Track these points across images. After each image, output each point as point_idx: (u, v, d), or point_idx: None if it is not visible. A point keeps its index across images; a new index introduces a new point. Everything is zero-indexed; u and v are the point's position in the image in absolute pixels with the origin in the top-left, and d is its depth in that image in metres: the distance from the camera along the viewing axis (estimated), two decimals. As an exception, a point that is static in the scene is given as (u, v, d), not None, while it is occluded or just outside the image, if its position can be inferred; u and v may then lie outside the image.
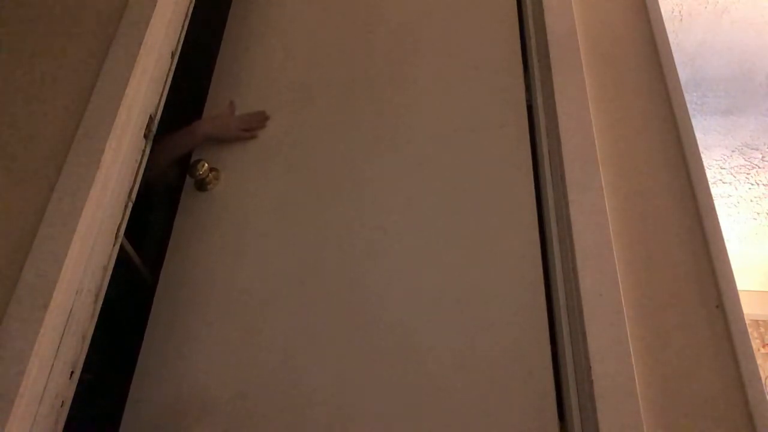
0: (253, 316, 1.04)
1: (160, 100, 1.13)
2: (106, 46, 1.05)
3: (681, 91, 1.01)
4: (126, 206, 1.03)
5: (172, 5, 1.16)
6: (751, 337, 0.81)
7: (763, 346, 3.94)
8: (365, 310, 1.01)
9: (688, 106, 1.00)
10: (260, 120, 1.27)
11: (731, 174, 2.93)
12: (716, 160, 2.84)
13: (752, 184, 2.99)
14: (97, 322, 0.95)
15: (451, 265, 1.02)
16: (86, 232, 0.90)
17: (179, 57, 1.21)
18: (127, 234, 1.05)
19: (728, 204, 3.15)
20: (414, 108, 1.21)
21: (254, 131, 1.26)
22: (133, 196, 1.05)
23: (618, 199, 0.93)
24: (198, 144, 1.26)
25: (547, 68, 1.09)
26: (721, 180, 2.98)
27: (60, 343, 0.86)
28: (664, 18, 1.10)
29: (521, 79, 1.20)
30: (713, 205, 0.90)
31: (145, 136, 1.08)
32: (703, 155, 0.94)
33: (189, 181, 1.21)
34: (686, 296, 0.84)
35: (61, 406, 0.87)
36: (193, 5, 1.28)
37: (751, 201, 3.12)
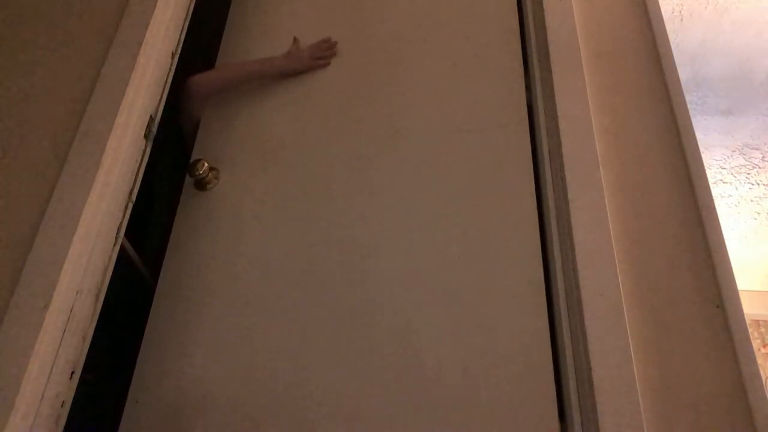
0: (252, 316, 1.04)
1: (160, 100, 1.13)
2: (106, 46, 1.05)
3: (681, 91, 1.01)
4: (126, 206, 1.03)
5: (172, 5, 1.16)
6: (751, 337, 0.81)
7: (764, 346, 3.94)
8: (365, 309, 1.01)
9: (688, 106, 0.99)
10: (329, 47, 1.31)
11: (731, 174, 2.93)
12: (716, 160, 2.84)
13: (752, 184, 2.99)
14: (97, 322, 0.95)
15: (451, 264, 1.02)
16: (86, 232, 0.90)
17: (179, 57, 1.21)
18: (127, 234, 1.05)
19: (728, 204, 3.15)
20: (414, 108, 1.21)
21: (327, 59, 1.29)
22: (133, 196, 1.05)
23: (618, 198, 0.93)
24: (270, 75, 1.29)
25: (547, 68, 1.09)
26: (721, 180, 2.98)
27: (60, 343, 0.86)
28: (665, 18, 1.10)
29: (521, 79, 1.20)
30: (713, 205, 0.89)
31: (145, 136, 1.08)
32: (703, 155, 0.94)
33: (189, 180, 1.21)
34: (686, 296, 0.84)
35: (61, 406, 0.87)
36: (193, 5, 1.28)
37: (751, 201, 3.12)
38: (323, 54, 1.30)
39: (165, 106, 1.15)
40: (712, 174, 2.92)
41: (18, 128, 0.98)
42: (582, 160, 0.96)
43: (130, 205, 1.04)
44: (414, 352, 0.96)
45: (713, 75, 2.39)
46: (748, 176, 2.94)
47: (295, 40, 1.34)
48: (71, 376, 0.89)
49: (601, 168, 0.94)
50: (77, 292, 0.89)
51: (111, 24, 1.08)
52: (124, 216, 1.02)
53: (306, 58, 1.30)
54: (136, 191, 1.05)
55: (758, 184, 2.98)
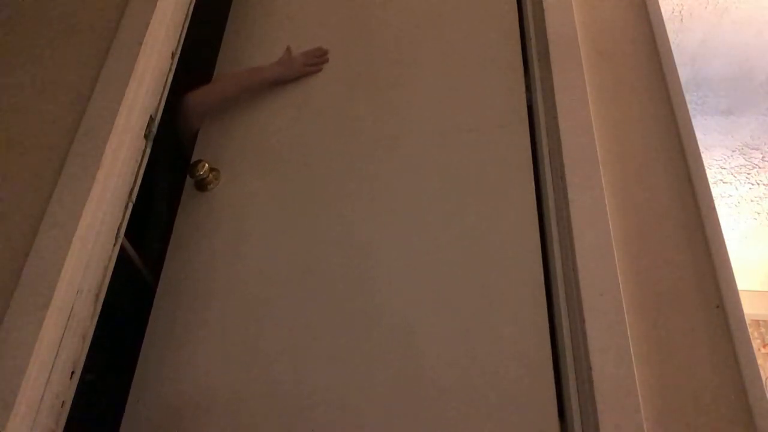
0: (253, 316, 1.04)
1: (160, 100, 1.13)
2: (106, 46, 1.05)
3: (681, 91, 1.01)
4: (126, 206, 1.03)
5: (172, 5, 1.16)
6: (751, 337, 0.81)
7: (764, 346, 3.94)
8: (365, 310, 1.01)
9: (688, 106, 1.00)
10: (321, 54, 1.33)
11: (731, 174, 2.93)
12: (716, 160, 2.84)
13: (752, 184, 2.99)
14: (97, 322, 0.95)
15: (451, 264, 1.02)
16: (86, 232, 0.90)
17: (179, 57, 1.21)
18: (127, 234, 1.05)
19: (728, 204, 3.15)
20: (414, 108, 1.21)
21: (318, 65, 1.32)
22: (133, 196, 1.05)
23: (618, 199, 0.93)
24: (265, 84, 1.31)
25: (547, 68, 1.09)
26: (721, 180, 2.98)
27: (60, 343, 0.86)
28: (665, 18, 1.10)
29: (521, 79, 1.20)
30: (713, 205, 0.89)
31: (146, 137, 1.08)
32: (703, 155, 0.94)
33: (189, 181, 1.21)
34: (686, 296, 0.84)
35: (61, 406, 0.87)
36: (193, 5, 1.28)
37: (752, 201, 3.12)
38: (315, 61, 1.32)
39: (165, 106, 1.15)
40: (712, 174, 2.92)
41: (18, 128, 0.98)
42: (582, 160, 0.96)
43: (130, 205, 1.04)
44: (414, 353, 0.96)
45: (713, 75, 2.39)
46: (748, 176, 2.94)
47: (288, 48, 1.35)
48: (71, 376, 0.89)
49: (601, 168, 0.94)
50: (77, 292, 0.89)
51: (111, 24, 1.08)
52: (124, 216, 1.02)
53: (298, 65, 1.31)
54: (136, 191, 1.05)
55: (758, 184, 2.98)
